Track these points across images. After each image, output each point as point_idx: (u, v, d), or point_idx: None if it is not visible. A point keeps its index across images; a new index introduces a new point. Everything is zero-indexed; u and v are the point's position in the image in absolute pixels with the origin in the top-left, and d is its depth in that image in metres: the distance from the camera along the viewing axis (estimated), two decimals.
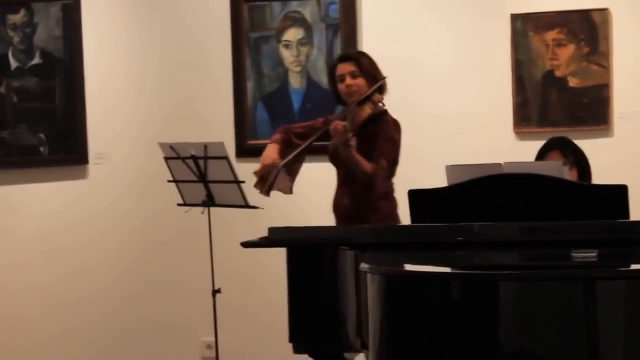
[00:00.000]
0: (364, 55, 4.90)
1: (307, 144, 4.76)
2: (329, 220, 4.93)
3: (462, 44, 5.96)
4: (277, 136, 4.88)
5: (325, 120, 4.90)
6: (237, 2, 6.21)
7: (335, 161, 4.85)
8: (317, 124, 4.92)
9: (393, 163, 4.81)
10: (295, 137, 4.88)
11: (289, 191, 4.89)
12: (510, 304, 3.07)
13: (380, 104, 4.79)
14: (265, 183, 4.73)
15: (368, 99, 4.74)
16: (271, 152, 4.81)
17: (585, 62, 5.76)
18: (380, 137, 4.74)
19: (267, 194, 4.79)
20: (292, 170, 4.85)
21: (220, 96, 6.24)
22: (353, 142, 4.66)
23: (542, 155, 4.83)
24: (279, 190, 4.83)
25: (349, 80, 4.78)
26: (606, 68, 5.74)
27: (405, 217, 3.87)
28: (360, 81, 4.78)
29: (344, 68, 4.81)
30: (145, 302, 6.37)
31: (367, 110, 4.71)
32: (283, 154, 4.79)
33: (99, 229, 6.38)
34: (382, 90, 4.82)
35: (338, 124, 4.61)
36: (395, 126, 4.82)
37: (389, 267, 3.34)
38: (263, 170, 4.76)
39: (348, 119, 4.65)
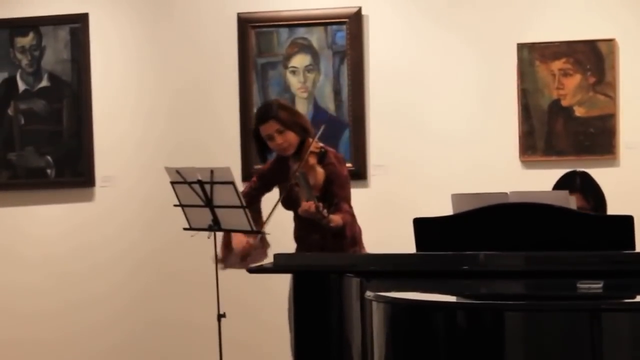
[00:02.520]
0: (280, 107, 4.83)
1: (270, 214, 4.75)
2: None
3: (469, 72, 5.98)
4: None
5: (258, 178, 5.02)
6: (244, 28, 6.24)
7: (292, 206, 4.83)
8: (253, 184, 5.03)
9: (349, 199, 4.81)
10: (253, 192, 5.00)
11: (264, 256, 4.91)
12: (516, 334, 3.06)
13: (320, 149, 4.74)
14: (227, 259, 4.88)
15: (301, 150, 4.71)
16: (238, 237, 4.89)
17: (591, 91, 5.78)
18: (334, 183, 4.71)
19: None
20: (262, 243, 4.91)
21: (226, 121, 6.26)
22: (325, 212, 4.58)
23: (562, 189, 4.44)
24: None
25: (278, 139, 4.76)
26: (612, 98, 5.75)
27: (409, 245, 3.87)
28: (289, 135, 4.75)
29: (268, 128, 4.77)
30: (151, 325, 6.36)
31: (317, 169, 4.67)
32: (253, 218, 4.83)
33: (104, 253, 6.38)
34: (309, 133, 4.79)
35: (309, 206, 4.51)
36: (339, 161, 4.81)
37: (394, 295, 3.34)
38: (241, 253, 4.86)
39: (304, 188, 4.55)
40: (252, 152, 6.19)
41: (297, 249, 4.92)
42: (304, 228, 4.83)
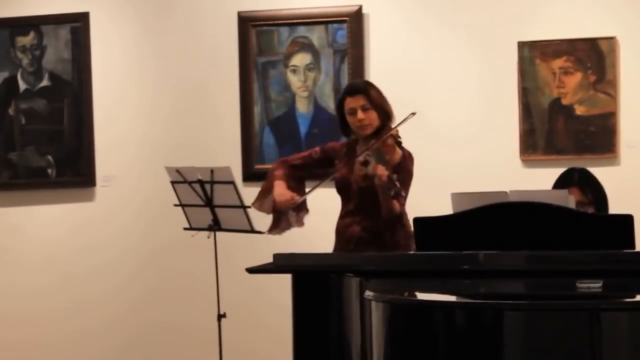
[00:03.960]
0: (372, 86, 4.80)
1: (318, 184, 4.71)
2: (333, 246, 4.92)
3: (469, 71, 5.97)
4: (279, 172, 4.81)
5: (322, 149, 4.88)
6: (245, 27, 6.24)
7: (344, 192, 4.82)
8: (314, 154, 4.89)
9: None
10: (296, 169, 4.84)
11: (301, 223, 4.86)
12: (515, 333, 3.06)
13: (398, 137, 4.68)
14: (279, 223, 4.74)
15: (380, 132, 4.65)
16: (282, 189, 4.73)
17: (591, 90, 5.77)
18: (401, 173, 4.61)
19: (281, 232, 4.80)
20: (299, 206, 4.83)
21: (227, 120, 6.26)
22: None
23: (560, 188, 4.56)
24: (294, 225, 4.82)
25: (360, 114, 4.69)
26: (613, 96, 5.74)
27: None
28: (372, 114, 4.69)
29: (355, 101, 4.71)
30: (151, 325, 6.36)
31: (396, 148, 4.61)
32: (291, 188, 4.76)
33: (105, 252, 6.39)
34: (391, 120, 4.77)
35: (383, 174, 4.46)
36: (411, 158, 4.77)
37: (394, 294, 3.34)
38: (280, 206, 4.73)
39: (378, 161, 4.51)
40: (253, 152, 6.23)
41: (335, 244, 4.84)
42: (348, 217, 4.76)
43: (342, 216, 4.83)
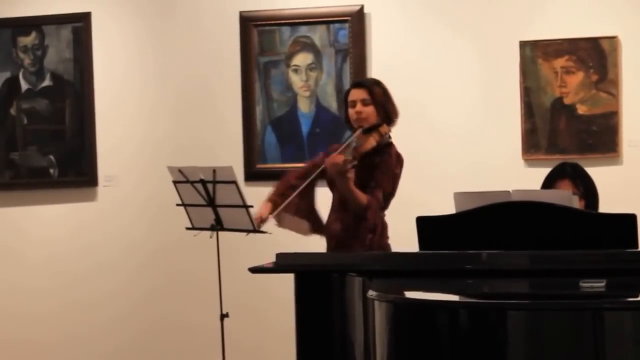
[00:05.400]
0: (379, 84, 4.91)
1: (305, 182, 4.76)
2: None
3: (471, 70, 5.97)
4: (273, 196, 4.90)
5: (325, 154, 4.92)
6: (247, 26, 6.24)
7: (332, 186, 4.88)
8: (318, 160, 4.93)
9: (389, 196, 4.84)
10: (294, 184, 4.90)
11: (306, 231, 4.91)
12: (518, 332, 3.06)
13: (387, 136, 4.82)
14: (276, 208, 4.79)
15: (375, 129, 4.77)
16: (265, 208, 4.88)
17: (594, 89, 5.77)
18: (380, 169, 4.77)
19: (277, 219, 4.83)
20: (301, 210, 4.87)
21: (229, 120, 6.26)
22: (351, 174, 4.67)
23: (552, 180, 4.65)
24: (295, 230, 4.86)
25: (359, 107, 4.82)
26: (615, 95, 5.74)
27: (411, 242, 3.87)
28: (370, 109, 4.81)
29: (357, 94, 4.85)
30: (153, 324, 6.37)
31: (372, 141, 4.75)
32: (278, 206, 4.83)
33: (107, 252, 6.39)
34: (390, 122, 4.85)
35: (336, 157, 4.64)
36: (398, 160, 4.85)
37: (397, 294, 3.34)
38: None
39: (350, 147, 4.67)
40: (255, 152, 6.23)
41: (327, 241, 4.94)
42: (333, 213, 4.85)
43: (330, 212, 4.94)
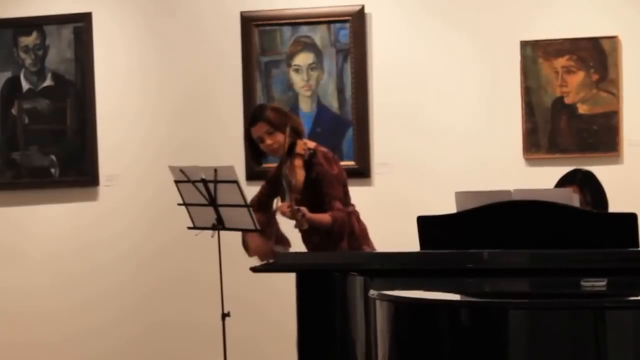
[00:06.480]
0: (271, 109, 4.95)
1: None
2: None
3: (472, 70, 5.98)
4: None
5: (266, 181, 5.05)
6: (248, 26, 6.25)
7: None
8: (263, 189, 5.06)
9: (344, 195, 4.85)
10: (264, 198, 5.02)
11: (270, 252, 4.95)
12: (519, 332, 3.07)
13: (307, 149, 4.82)
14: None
15: (293, 150, 4.78)
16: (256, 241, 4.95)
17: (594, 89, 5.78)
18: (322, 182, 4.77)
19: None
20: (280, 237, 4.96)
21: (230, 119, 6.26)
22: (304, 209, 4.62)
23: (561, 185, 4.65)
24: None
25: (268, 140, 4.86)
26: (615, 95, 5.75)
27: (412, 242, 3.87)
28: (278, 136, 4.83)
29: (258, 130, 4.88)
30: (155, 324, 6.38)
31: (300, 172, 4.75)
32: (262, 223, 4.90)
33: (108, 252, 6.40)
34: (299, 134, 4.88)
35: (282, 208, 4.67)
36: (328, 161, 4.85)
37: (398, 293, 3.34)
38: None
39: (287, 191, 4.65)
40: None
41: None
42: (305, 231, 4.85)
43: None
